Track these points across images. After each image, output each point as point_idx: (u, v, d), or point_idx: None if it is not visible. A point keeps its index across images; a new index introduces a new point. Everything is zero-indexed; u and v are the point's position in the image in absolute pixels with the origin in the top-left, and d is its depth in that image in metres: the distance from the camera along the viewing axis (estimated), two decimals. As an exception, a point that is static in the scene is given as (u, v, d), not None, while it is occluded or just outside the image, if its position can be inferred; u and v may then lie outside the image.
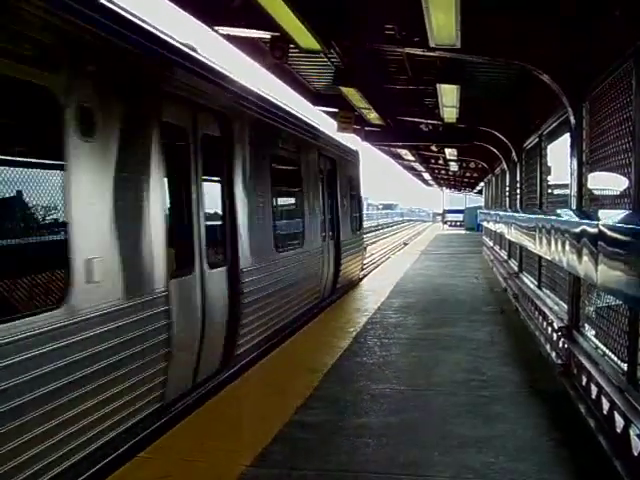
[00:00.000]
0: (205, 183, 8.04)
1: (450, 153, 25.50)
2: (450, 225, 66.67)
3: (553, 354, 8.89)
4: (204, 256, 7.88)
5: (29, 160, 5.13)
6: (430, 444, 5.96)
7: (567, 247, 6.96)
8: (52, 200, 5.22)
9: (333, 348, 9.67)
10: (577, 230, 6.46)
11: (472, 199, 63.22)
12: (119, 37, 6.16)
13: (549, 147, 11.57)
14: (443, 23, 7.50)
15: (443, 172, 40.90)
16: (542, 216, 9.80)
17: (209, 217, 8.19)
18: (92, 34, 5.67)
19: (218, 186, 8.67)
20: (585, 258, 6.04)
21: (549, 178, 11.72)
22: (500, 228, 17.63)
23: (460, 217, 64.76)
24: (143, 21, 6.74)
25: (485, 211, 29.19)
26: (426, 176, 48.72)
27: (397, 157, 32.97)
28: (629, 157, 5.86)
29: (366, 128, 19.06)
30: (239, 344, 8.86)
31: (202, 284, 7.82)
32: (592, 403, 6.46)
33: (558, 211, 9.12)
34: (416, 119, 18.49)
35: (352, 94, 13.56)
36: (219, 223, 8.64)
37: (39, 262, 5.17)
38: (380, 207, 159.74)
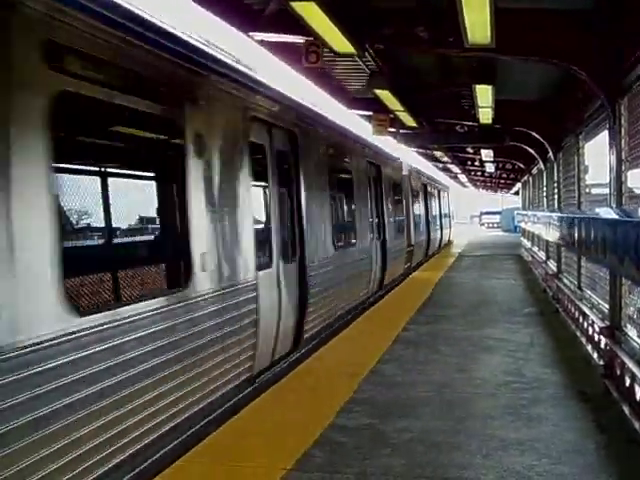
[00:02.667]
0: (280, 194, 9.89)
1: (486, 154, 25.33)
2: (487, 227, 66.22)
3: (595, 355, 8.78)
4: (279, 254, 9.46)
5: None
6: (473, 446, 5.92)
7: (608, 246, 6.88)
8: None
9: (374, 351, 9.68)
10: (618, 229, 6.38)
11: (508, 200, 62.85)
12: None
13: (586, 146, 11.46)
14: (477, 23, 7.46)
15: (479, 174, 40.64)
16: (581, 215, 9.70)
17: (283, 222, 9.92)
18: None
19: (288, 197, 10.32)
20: (627, 258, 5.96)
21: (587, 177, 11.61)
22: (538, 229, 17.49)
23: (497, 218, 64.37)
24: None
25: (523, 212, 28.96)
26: (462, 178, 48.45)
27: (433, 159, 32.82)
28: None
29: (401, 131, 19.00)
30: (306, 329, 10.36)
31: (278, 276, 9.34)
32: (636, 404, 6.37)
33: (597, 210, 9.02)
34: (451, 121, 18.42)
35: (386, 97, 13.54)
36: (290, 226, 10.22)
37: None
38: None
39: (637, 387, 6.39)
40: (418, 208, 25.46)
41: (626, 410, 6.57)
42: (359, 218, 14.99)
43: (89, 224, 6.05)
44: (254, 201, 8.48)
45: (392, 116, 16.24)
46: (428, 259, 27.26)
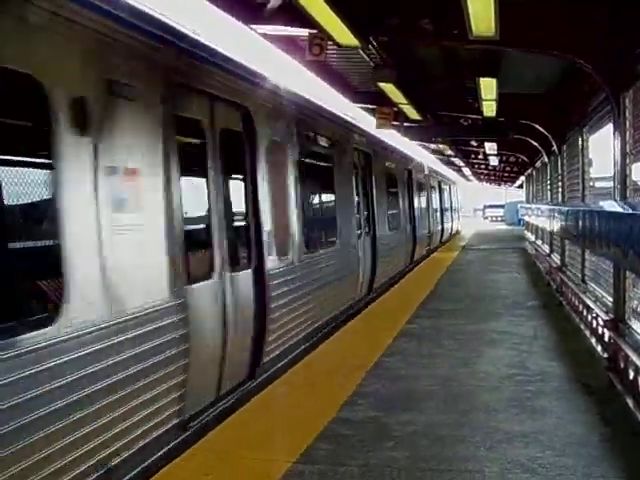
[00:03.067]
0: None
1: (490, 147, 25.29)
2: (491, 220, 66.22)
3: (599, 348, 8.78)
4: (364, 230, 15.15)
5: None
6: (476, 439, 5.93)
7: (612, 239, 6.87)
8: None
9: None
10: (622, 222, 6.37)
11: (512, 193, 62.81)
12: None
13: (591, 139, 11.44)
14: (481, 14, 7.43)
15: (483, 167, 40.60)
16: (585, 208, 9.68)
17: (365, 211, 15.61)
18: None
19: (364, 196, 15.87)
20: (631, 251, 5.95)
21: (591, 170, 11.59)
22: (542, 222, 17.47)
23: (500, 212, 64.33)
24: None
25: (526, 205, 28.94)
26: (466, 171, 48.41)
27: (437, 153, 32.80)
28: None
29: (405, 124, 18.97)
30: (375, 281, 15.77)
31: (364, 243, 14.94)
32: (640, 397, 6.38)
33: (601, 203, 9.00)
34: (455, 114, 18.38)
35: (390, 90, 13.51)
36: (367, 214, 15.75)
37: None
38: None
39: (641, 380, 6.40)
40: (435, 202, 30.94)
41: (630, 403, 6.58)
42: (401, 210, 20.78)
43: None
44: (356, 199, 14.49)
45: (396, 109, 16.22)
46: (442, 245, 32.10)
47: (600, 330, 8.76)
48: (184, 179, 6.59)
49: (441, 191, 34.35)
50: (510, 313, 12.19)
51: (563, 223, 11.60)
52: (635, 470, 5.24)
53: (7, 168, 4.56)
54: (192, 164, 7.11)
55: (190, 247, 6.64)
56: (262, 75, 8.80)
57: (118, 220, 5.37)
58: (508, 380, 7.79)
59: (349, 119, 14.66)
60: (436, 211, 31.28)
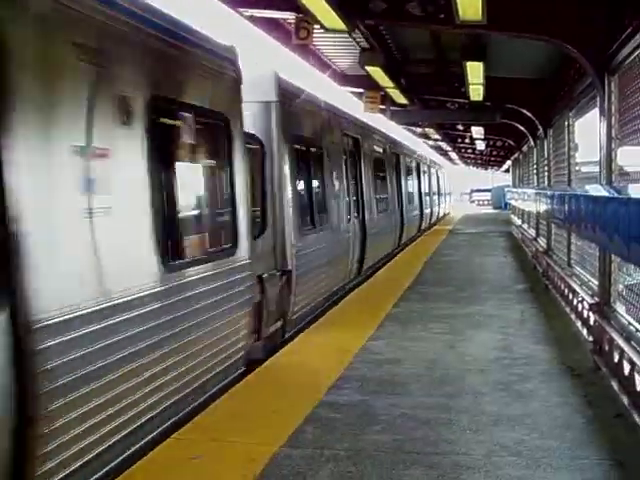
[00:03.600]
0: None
1: (477, 131, 25.34)
2: (478, 204, 66.44)
3: (584, 331, 8.84)
4: (397, 204, 22.59)
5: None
6: (463, 422, 5.96)
7: (597, 223, 6.90)
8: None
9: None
10: (607, 206, 6.39)
11: (499, 178, 62.98)
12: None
13: (577, 123, 11.46)
14: (469, -1, 7.43)
15: (470, 151, 40.69)
16: (571, 192, 9.72)
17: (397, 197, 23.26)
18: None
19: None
20: (616, 235, 5.98)
21: (577, 155, 11.62)
22: (528, 206, 17.52)
23: (487, 196, 64.53)
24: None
25: (513, 189, 29.03)
26: (453, 155, 48.51)
27: (423, 136, 32.82)
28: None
29: (392, 108, 18.96)
30: (401, 239, 23.30)
31: (397, 213, 22.65)
32: (624, 380, 6.42)
33: (587, 187, 9.04)
34: (442, 98, 18.37)
35: (378, 74, 13.50)
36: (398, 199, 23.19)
37: None
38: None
39: (625, 363, 6.44)
40: (434, 187, 38.41)
41: (615, 385, 6.63)
42: (418, 194, 29.19)
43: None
44: (395, 184, 22.49)
45: (383, 93, 16.21)
46: (438, 221, 38.69)
47: (585, 313, 8.81)
48: (343, 175, 14.20)
49: (438, 178, 41.31)
50: (497, 297, 12.25)
51: (549, 207, 11.64)
52: (619, 451, 5.29)
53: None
54: (345, 168, 14.49)
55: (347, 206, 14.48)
56: (361, 120, 17.12)
57: (340, 193, 13.77)
58: (495, 363, 7.83)
59: (389, 133, 22.56)
60: (434, 194, 38.28)
